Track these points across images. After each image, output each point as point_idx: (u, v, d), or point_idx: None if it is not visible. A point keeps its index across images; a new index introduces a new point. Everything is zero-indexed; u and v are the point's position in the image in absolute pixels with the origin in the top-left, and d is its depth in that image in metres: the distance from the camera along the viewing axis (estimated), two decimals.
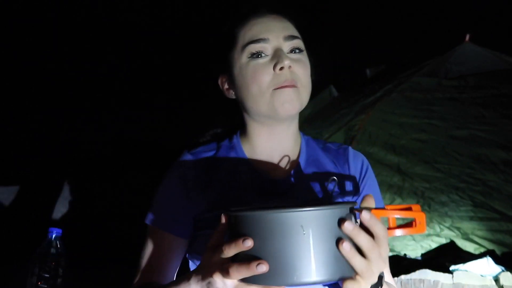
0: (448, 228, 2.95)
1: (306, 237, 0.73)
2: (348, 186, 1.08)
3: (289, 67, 1.01)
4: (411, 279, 2.34)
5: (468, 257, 2.73)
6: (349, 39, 4.89)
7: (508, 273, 2.37)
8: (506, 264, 2.54)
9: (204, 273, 0.82)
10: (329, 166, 1.10)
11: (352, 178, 1.09)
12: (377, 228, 0.77)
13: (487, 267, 2.48)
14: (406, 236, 2.95)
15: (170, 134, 3.87)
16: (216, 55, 1.12)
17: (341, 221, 0.75)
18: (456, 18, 4.53)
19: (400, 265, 2.70)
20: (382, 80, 3.97)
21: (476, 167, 3.08)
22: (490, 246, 2.88)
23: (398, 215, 0.80)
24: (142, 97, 4.60)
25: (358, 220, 0.78)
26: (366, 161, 1.13)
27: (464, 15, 4.53)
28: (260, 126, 1.09)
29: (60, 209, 4.09)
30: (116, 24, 4.60)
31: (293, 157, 1.10)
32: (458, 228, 2.94)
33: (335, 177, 0.98)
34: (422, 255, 2.93)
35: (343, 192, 1.07)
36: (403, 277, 2.34)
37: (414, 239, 2.95)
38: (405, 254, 2.92)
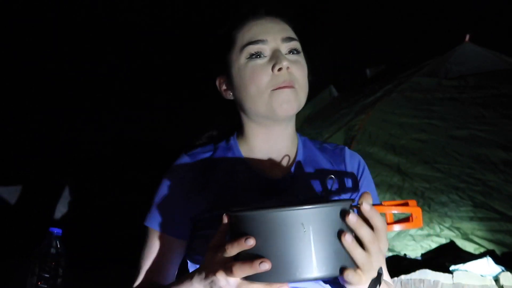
0: (448, 228, 2.95)
1: (307, 234, 0.75)
2: (345, 184, 1.10)
3: (287, 68, 1.03)
4: (411, 279, 2.34)
5: (468, 257, 2.73)
6: (349, 39, 4.89)
7: (508, 273, 2.37)
8: (506, 264, 2.54)
9: (207, 272, 0.83)
10: (326, 166, 1.12)
11: (349, 177, 1.11)
12: (377, 220, 0.79)
13: (487, 267, 2.48)
14: (406, 236, 2.95)
15: (170, 134, 3.88)
16: (214, 56, 1.13)
17: (344, 214, 0.77)
18: (456, 18, 4.53)
19: (400, 265, 2.70)
20: (382, 80, 3.97)
21: (476, 167, 3.08)
22: (490, 246, 2.88)
23: (395, 210, 0.82)
24: (142, 97, 4.60)
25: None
26: (362, 161, 1.15)
27: (464, 15, 4.53)
28: (258, 127, 1.10)
29: (60, 209, 4.09)
30: (116, 24, 4.60)
31: (290, 157, 1.11)
32: (458, 228, 2.94)
33: (332, 176, 1.01)
34: (422, 255, 2.93)
35: (340, 190, 1.08)
36: (403, 277, 2.34)
37: (414, 239, 2.95)
38: (405, 254, 2.92)
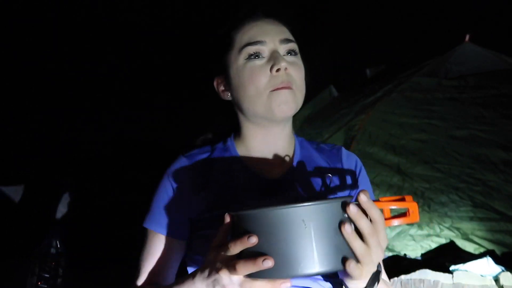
0: (448, 228, 2.95)
1: (308, 231, 0.77)
2: (343, 184, 1.11)
3: (285, 69, 1.04)
4: (411, 279, 2.34)
5: (468, 257, 2.72)
6: (349, 39, 4.89)
7: (508, 273, 2.37)
8: (506, 264, 2.54)
9: (210, 270, 0.84)
10: (323, 166, 1.12)
11: (346, 176, 1.12)
12: (374, 212, 0.81)
13: (487, 267, 2.48)
14: (406, 236, 2.95)
15: (170, 134, 3.88)
16: (213, 57, 1.14)
17: (346, 205, 0.79)
18: (456, 18, 4.54)
19: (400, 265, 2.70)
20: (382, 80, 3.97)
21: (476, 167, 3.08)
22: (490, 246, 2.88)
23: (392, 205, 0.85)
24: (142, 97, 4.60)
25: None
26: (359, 162, 1.16)
27: (464, 15, 4.53)
28: (256, 128, 1.10)
29: (60, 209, 4.09)
30: (116, 24, 4.61)
31: (288, 157, 1.12)
32: (458, 229, 2.94)
33: (329, 174, 1.04)
34: (422, 255, 2.93)
35: (338, 189, 1.10)
36: (403, 277, 2.34)
37: (414, 239, 2.95)
38: (405, 254, 2.92)
